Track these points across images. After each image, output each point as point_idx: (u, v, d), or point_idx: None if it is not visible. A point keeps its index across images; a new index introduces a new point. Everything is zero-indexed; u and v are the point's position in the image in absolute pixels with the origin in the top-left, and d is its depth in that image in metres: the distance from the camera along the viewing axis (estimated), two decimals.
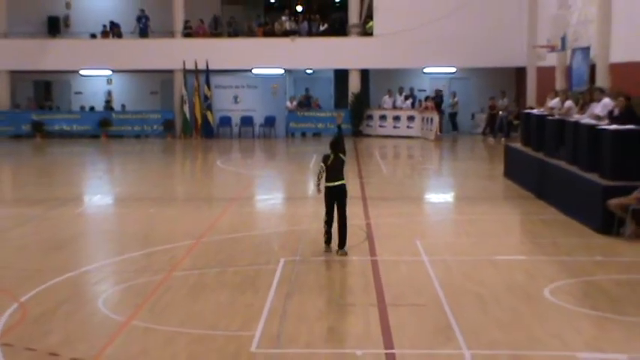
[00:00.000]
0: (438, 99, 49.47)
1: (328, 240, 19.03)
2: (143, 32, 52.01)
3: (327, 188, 18.71)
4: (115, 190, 33.97)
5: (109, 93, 53.57)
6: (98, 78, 53.33)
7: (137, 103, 53.27)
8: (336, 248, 18.90)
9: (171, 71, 50.46)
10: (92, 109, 52.80)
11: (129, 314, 14.84)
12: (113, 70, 52.59)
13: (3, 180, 37.56)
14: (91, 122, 51.49)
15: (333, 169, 18.68)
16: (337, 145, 18.99)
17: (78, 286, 17.42)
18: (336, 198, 18.70)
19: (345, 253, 18.69)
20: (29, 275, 17.61)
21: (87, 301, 16.23)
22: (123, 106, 52.99)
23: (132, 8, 52.33)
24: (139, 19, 52.08)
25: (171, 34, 50.76)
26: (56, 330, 14.08)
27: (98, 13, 52.65)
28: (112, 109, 52.73)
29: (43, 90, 54.15)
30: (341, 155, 18.86)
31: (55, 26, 52.48)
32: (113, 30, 52.30)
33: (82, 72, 52.79)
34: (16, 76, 51.62)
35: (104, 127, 50.85)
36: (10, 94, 51.78)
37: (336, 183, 18.63)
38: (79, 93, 54.03)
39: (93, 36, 52.07)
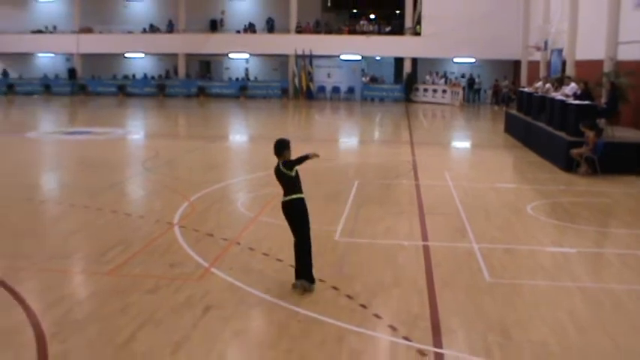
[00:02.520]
0: (470, 80, 49.42)
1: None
2: (270, 29, 52.09)
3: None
4: (249, 131, 34.34)
5: (247, 69, 53.71)
6: (240, 59, 53.49)
7: (264, 76, 53.39)
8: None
9: (286, 55, 50.51)
10: (236, 79, 53.05)
11: (257, 212, 15.21)
12: (250, 54, 52.72)
13: (180, 123, 38.04)
14: (234, 88, 51.78)
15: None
16: (282, 150, 10.32)
17: (225, 193, 17.78)
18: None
19: (305, 289, 10.04)
20: (195, 184, 18.02)
21: (230, 202, 16.59)
22: (255, 77, 53.18)
23: (263, 14, 52.37)
24: (267, 21, 52.16)
25: (287, 31, 50.76)
26: (212, 220, 14.46)
27: (241, 17, 52.76)
28: (248, 79, 52.91)
29: (205, 66, 54.48)
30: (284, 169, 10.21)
31: (214, 25, 52.70)
32: (251, 28, 52.39)
33: (230, 55, 53.00)
34: (188, 57, 51.99)
35: (243, 91, 51.12)
36: (185, 69, 52.26)
37: (285, 198, 10.31)
38: (227, 68, 54.28)
39: (238, 32, 52.23)
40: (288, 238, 12.96)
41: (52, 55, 54.45)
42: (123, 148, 26.79)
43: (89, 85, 52.63)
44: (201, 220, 14.29)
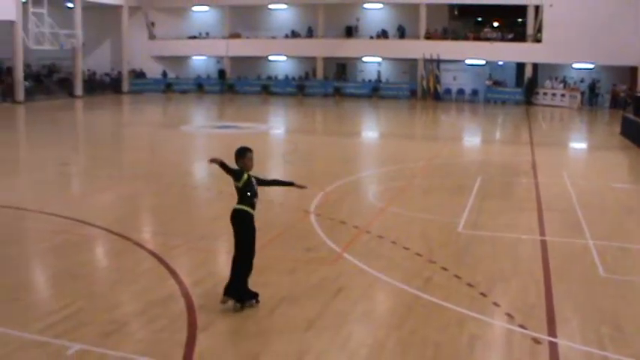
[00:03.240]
0: (592, 84, 47.83)
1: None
2: (401, 36, 51.82)
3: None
4: (380, 128, 34.31)
5: (379, 72, 53.59)
6: (373, 63, 53.42)
7: (395, 78, 53.12)
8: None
9: (416, 59, 50.13)
10: (369, 81, 53.02)
11: (386, 203, 15.18)
12: (382, 58, 52.59)
13: (317, 120, 38.34)
14: (367, 88, 51.78)
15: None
16: (237, 158, 9.17)
17: (357, 184, 17.83)
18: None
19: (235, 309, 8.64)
20: (330, 176, 18.11)
21: (362, 194, 16.63)
22: (386, 79, 53.03)
23: (395, 21, 52.10)
24: (398, 28, 51.91)
25: (417, 37, 50.36)
26: (344, 209, 14.53)
27: (375, 24, 52.66)
28: (380, 81, 52.80)
29: (341, 69, 54.67)
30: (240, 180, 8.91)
31: (349, 31, 52.82)
32: (383, 34, 52.24)
33: (364, 59, 53.02)
34: (326, 60, 52.29)
35: (375, 92, 51.10)
36: (323, 71, 52.63)
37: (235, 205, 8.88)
38: (362, 71, 54.28)
39: (371, 37, 52.17)
40: (415, 228, 12.93)
41: (205, 57, 55.81)
42: (265, 141, 27.21)
43: (236, 84, 53.70)
44: (334, 209, 14.36)
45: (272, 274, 10.02)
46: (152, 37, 55.65)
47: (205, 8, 55.31)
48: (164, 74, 55.74)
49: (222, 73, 53.97)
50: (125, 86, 53.60)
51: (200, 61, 56.46)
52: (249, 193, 8.79)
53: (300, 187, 9.51)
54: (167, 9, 55.42)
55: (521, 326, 8.28)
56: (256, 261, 10.59)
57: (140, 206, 15.36)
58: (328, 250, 11.28)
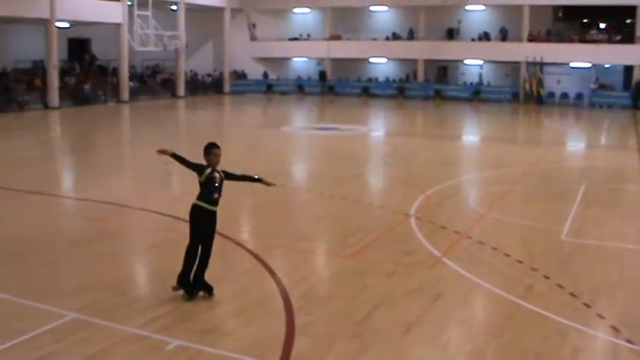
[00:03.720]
0: None
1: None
2: (503, 38, 51.02)
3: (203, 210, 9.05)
4: (481, 132, 33.85)
5: (480, 74, 52.89)
6: (474, 65, 52.73)
7: (496, 81, 52.33)
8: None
9: (518, 62, 49.24)
10: (470, 83, 52.39)
11: (487, 208, 14.96)
12: (483, 60, 51.88)
13: (417, 123, 38.09)
14: (468, 91, 51.14)
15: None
16: (204, 153, 9.24)
17: (457, 189, 17.65)
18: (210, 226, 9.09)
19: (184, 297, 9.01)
20: (430, 179, 17.94)
21: (462, 198, 16.45)
22: (488, 82, 52.29)
23: (497, 24, 51.31)
24: (501, 30, 51.11)
25: (519, 39, 49.48)
26: (445, 213, 14.38)
27: (476, 26, 52.00)
28: (481, 84, 52.10)
29: (442, 71, 54.19)
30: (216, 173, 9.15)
31: (451, 34, 52.32)
32: (485, 36, 51.54)
33: (465, 61, 52.42)
34: (427, 62, 51.92)
35: (476, 95, 50.46)
36: (423, 73, 52.30)
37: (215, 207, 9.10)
38: (463, 74, 53.69)
39: (472, 40, 51.56)
40: (516, 234, 12.71)
41: (306, 59, 56.21)
42: (365, 143, 27.26)
43: (337, 86, 53.88)
44: (435, 213, 14.24)
45: (371, 276, 10.02)
46: (253, 38, 56.44)
47: (306, 10, 55.73)
48: (265, 75, 56.43)
49: (322, 75, 54.27)
50: (226, 87, 54.52)
51: (301, 63, 56.92)
52: (209, 189, 8.95)
53: (268, 184, 9.69)
54: (268, 11, 56.10)
55: (628, 341, 7.99)
56: (356, 263, 10.65)
57: (240, 206, 15.58)
58: (428, 254, 11.20)
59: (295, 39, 55.92)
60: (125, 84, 44.70)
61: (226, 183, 9.18)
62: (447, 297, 9.28)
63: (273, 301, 9.00)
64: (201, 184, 9.04)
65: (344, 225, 13.21)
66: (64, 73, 42.92)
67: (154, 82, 51.23)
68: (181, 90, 49.71)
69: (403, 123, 37.35)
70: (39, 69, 42.64)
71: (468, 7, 52.02)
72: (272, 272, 10.13)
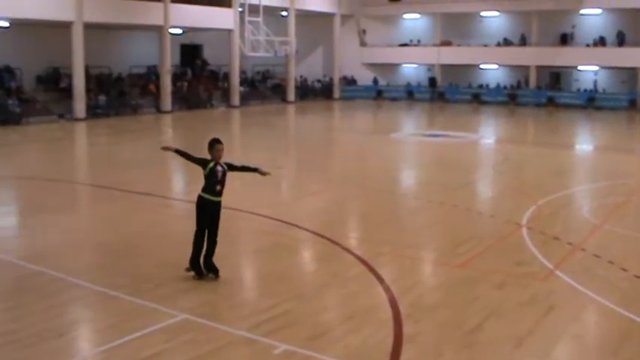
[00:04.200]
0: None
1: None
2: (620, 43, 49.45)
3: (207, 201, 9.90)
4: (595, 141, 32.78)
5: (595, 81, 51.42)
6: (589, 72, 51.31)
7: (612, 88, 50.79)
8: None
9: (635, 68, 47.61)
10: (584, 90, 51.00)
11: (602, 220, 14.48)
12: (599, 66, 50.42)
13: (529, 131, 37.22)
14: (582, 99, 49.77)
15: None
16: (208, 148, 10.08)
17: (571, 199, 17.17)
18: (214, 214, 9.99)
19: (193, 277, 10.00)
20: (542, 189, 17.46)
21: (576, 209, 15.93)
22: (603, 89, 50.78)
23: (613, 27, 49.78)
24: (618, 34, 49.55)
25: (637, 44, 47.83)
26: (557, 224, 14.03)
27: (592, 31, 50.61)
28: (596, 91, 50.64)
29: (555, 78, 52.97)
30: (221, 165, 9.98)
31: (564, 39, 51.11)
32: (601, 41, 50.09)
33: (579, 67, 51.07)
34: (539, 69, 50.84)
35: (590, 102, 49.06)
36: (535, 80, 51.27)
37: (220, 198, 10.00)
38: (577, 80, 52.31)
39: (587, 45, 50.19)
40: (633, 248, 12.27)
41: (415, 65, 55.96)
42: (475, 151, 26.89)
43: (447, 92, 53.37)
44: (547, 223, 13.89)
45: (481, 286, 9.86)
46: (363, 44, 56.55)
47: (416, 16, 55.47)
48: (375, 81, 56.46)
49: (432, 81, 53.88)
50: (336, 93, 54.81)
51: (410, 69, 56.69)
52: (212, 181, 9.83)
53: (263, 173, 10.46)
54: (378, 17, 56.14)
55: None
56: (465, 273, 10.51)
57: (349, 212, 15.63)
58: (540, 266, 10.93)
59: (405, 45, 55.74)
60: (236, 89, 45.57)
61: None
62: (560, 311, 9.03)
63: (381, 309, 8.96)
64: (205, 176, 9.88)
65: (453, 233, 13.05)
66: (176, 78, 44.10)
67: (264, 87, 52.03)
68: (291, 95, 50.28)
69: (514, 130, 36.60)
70: (152, 74, 43.97)
71: (583, 12, 50.66)
72: (380, 279, 10.10)
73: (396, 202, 16.33)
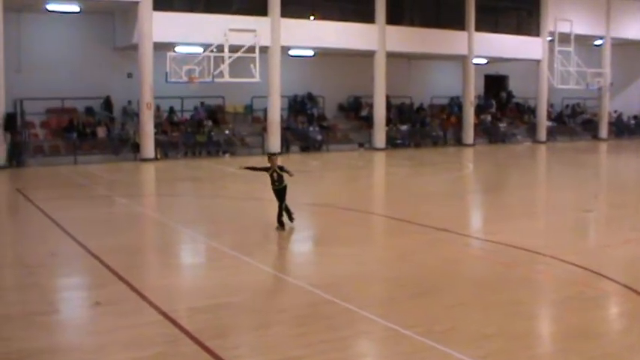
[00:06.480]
0: None
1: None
2: None
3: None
4: None
5: None
6: None
7: None
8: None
9: None
10: None
11: None
12: None
13: None
14: None
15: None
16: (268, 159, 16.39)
17: None
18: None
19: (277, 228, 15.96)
20: None
21: None
22: None
23: None
24: None
25: None
26: None
27: None
28: None
29: None
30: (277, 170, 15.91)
31: None
32: None
33: None
34: None
35: None
36: None
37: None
38: None
39: None
40: None
41: None
42: None
43: None
44: None
45: None
46: None
47: None
48: None
49: None
50: None
51: None
52: (272, 181, 15.82)
53: (290, 174, 15.88)
54: None
55: None
56: None
57: None
58: None
59: None
60: (543, 123, 44.63)
61: None
62: None
63: None
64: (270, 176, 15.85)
65: None
66: (479, 109, 44.01)
67: (573, 122, 50.37)
68: (604, 132, 48.33)
69: None
70: (455, 105, 44.24)
71: None
72: None
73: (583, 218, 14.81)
